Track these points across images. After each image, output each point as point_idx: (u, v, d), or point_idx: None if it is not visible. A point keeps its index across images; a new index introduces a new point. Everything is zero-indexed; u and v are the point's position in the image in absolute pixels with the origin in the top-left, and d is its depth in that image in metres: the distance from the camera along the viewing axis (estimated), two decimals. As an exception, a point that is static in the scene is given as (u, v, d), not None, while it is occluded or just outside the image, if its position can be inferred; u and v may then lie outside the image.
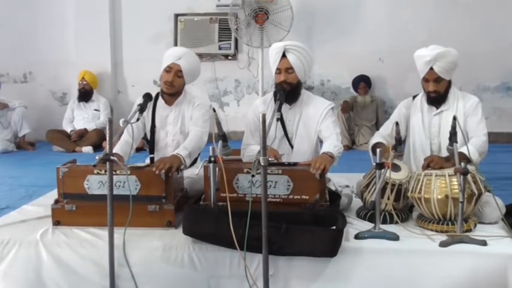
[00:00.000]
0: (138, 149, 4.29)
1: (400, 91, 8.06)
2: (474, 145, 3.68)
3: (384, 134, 3.98)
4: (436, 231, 3.29)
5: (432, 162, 3.58)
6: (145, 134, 4.29)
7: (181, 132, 4.14)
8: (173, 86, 4.05)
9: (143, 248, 3.26)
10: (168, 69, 4.04)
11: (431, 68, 3.78)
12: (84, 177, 3.49)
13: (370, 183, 3.58)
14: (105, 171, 3.15)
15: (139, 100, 3.98)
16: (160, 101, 4.14)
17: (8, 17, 9.22)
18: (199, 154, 4.21)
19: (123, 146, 3.96)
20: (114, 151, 3.39)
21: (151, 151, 4.21)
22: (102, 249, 3.19)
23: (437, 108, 3.95)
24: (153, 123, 4.16)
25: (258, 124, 3.87)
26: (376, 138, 3.99)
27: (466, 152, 3.45)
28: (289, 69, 3.85)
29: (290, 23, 7.82)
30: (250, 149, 3.95)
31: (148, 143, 4.26)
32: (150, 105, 4.06)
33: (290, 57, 3.83)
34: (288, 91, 3.85)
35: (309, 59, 3.91)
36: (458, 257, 3.06)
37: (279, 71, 3.89)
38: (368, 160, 3.80)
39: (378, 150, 3.31)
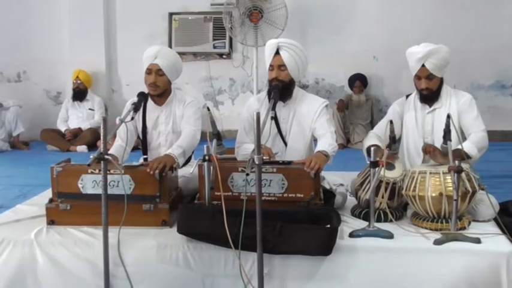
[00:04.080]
0: (133, 148, 4.28)
1: (395, 90, 8.07)
2: (473, 141, 3.70)
3: (378, 134, 3.98)
4: (430, 229, 3.30)
5: (436, 151, 3.60)
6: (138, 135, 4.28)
7: (173, 131, 4.14)
8: (158, 86, 4.03)
9: (138, 247, 3.26)
10: (148, 71, 4.02)
11: (423, 65, 3.80)
12: (78, 176, 3.48)
13: (365, 181, 3.58)
14: (99, 170, 3.14)
15: (131, 101, 3.99)
16: (150, 102, 4.12)
17: (1, 16, 9.19)
18: (192, 152, 4.21)
19: (117, 149, 3.97)
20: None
21: (145, 152, 4.21)
22: (96, 248, 3.20)
23: (430, 106, 3.96)
24: (144, 125, 4.15)
25: (252, 122, 3.88)
26: (371, 139, 3.99)
27: (466, 148, 3.46)
28: (282, 66, 3.84)
29: (284, 22, 7.82)
30: (244, 148, 3.95)
31: (141, 144, 4.25)
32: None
33: (283, 54, 3.83)
34: (280, 88, 3.84)
35: (303, 58, 3.90)
36: (453, 255, 3.06)
37: (271, 67, 3.89)
38: (362, 158, 3.81)
39: (372, 148, 3.31)
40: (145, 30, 8.87)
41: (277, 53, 3.85)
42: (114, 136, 4.02)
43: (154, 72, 4.00)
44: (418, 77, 3.88)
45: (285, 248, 3.07)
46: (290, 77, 3.88)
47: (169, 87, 4.15)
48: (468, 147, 3.60)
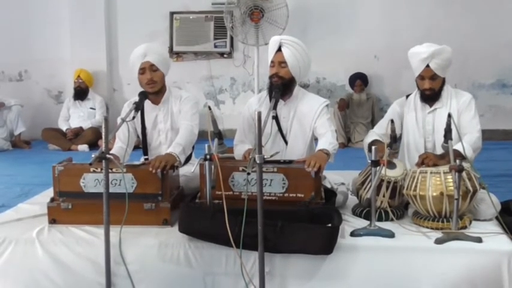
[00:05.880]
0: (134, 147, 4.28)
1: (396, 89, 8.09)
2: (468, 142, 3.69)
3: (378, 133, 3.98)
4: (432, 228, 3.30)
5: (426, 159, 3.59)
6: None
7: (172, 128, 4.13)
8: (155, 82, 4.01)
9: (139, 245, 3.26)
10: (142, 71, 4.00)
11: (428, 65, 3.79)
12: (80, 175, 3.49)
13: (366, 180, 3.58)
14: (101, 169, 3.15)
15: (129, 102, 4.02)
16: (147, 102, 4.09)
17: (3, 15, 9.20)
18: (193, 150, 4.23)
19: (118, 151, 3.97)
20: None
21: (145, 152, 4.20)
22: (98, 247, 3.20)
23: (430, 106, 3.96)
24: (143, 125, 4.15)
25: (252, 122, 3.90)
26: (372, 136, 4.00)
27: (460, 149, 3.46)
28: (282, 63, 3.84)
29: (285, 21, 7.82)
30: (239, 149, 3.96)
31: (142, 145, 4.24)
32: None
33: (285, 51, 3.82)
34: (279, 85, 3.83)
35: (304, 57, 3.88)
36: (454, 254, 3.06)
37: (272, 64, 3.88)
38: (363, 157, 3.81)
39: (373, 147, 3.31)
40: (146, 30, 8.87)
41: (279, 49, 3.85)
42: (115, 135, 4.01)
43: (148, 69, 3.98)
44: (421, 77, 3.87)
45: (286, 247, 3.07)
46: (290, 75, 3.87)
47: (164, 84, 4.14)
48: (465, 148, 3.60)
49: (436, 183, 3.32)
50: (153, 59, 3.99)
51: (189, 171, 3.85)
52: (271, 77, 3.88)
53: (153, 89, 4.02)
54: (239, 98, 9.20)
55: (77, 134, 8.61)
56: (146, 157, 4.17)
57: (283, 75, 3.85)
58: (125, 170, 3.39)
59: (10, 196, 5.33)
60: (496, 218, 3.44)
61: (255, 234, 2.86)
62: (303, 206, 3.35)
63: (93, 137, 8.42)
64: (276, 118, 3.83)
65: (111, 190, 3.13)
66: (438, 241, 3.11)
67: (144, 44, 4.10)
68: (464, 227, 3.30)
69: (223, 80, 9.27)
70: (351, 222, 3.49)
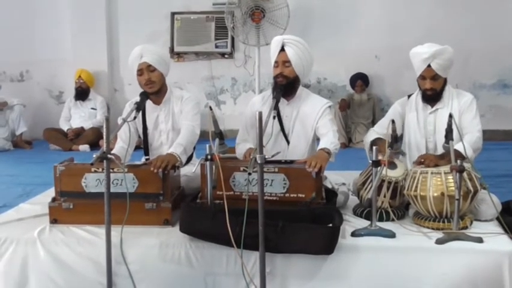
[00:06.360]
0: (135, 147, 4.28)
1: (397, 89, 8.08)
2: (468, 142, 3.69)
3: (379, 132, 3.98)
4: (432, 228, 3.30)
5: (427, 160, 3.59)
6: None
7: (173, 128, 4.13)
8: (153, 82, 4.00)
9: (140, 245, 3.27)
10: (140, 72, 4.00)
11: (429, 66, 3.79)
12: (81, 175, 3.49)
13: (367, 180, 3.59)
14: (103, 169, 3.15)
15: (130, 102, 4.03)
16: (149, 102, 4.10)
17: (5, 16, 9.21)
18: (194, 149, 4.23)
19: (119, 151, 3.97)
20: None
21: (146, 153, 4.21)
22: (99, 247, 3.20)
23: (432, 106, 3.96)
24: (144, 126, 4.15)
25: (255, 121, 3.89)
26: (372, 135, 4.00)
27: (460, 149, 3.46)
28: (286, 62, 3.84)
29: (286, 21, 7.82)
30: (241, 147, 3.96)
31: (143, 145, 4.25)
32: None
33: (288, 50, 3.83)
34: (284, 85, 3.84)
35: (307, 56, 3.89)
36: (455, 254, 3.06)
37: (276, 64, 3.89)
38: (364, 158, 3.81)
39: (374, 148, 3.31)
40: (148, 30, 8.88)
41: (282, 49, 3.85)
42: (116, 136, 4.02)
43: (145, 69, 3.98)
44: (423, 77, 3.87)
45: (287, 247, 3.07)
46: (295, 74, 3.87)
47: (165, 84, 4.14)
48: (465, 147, 3.61)
49: (436, 184, 3.32)
50: (149, 59, 3.98)
51: (190, 171, 3.85)
52: (275, 77, 3.89)
53: (152, 89, 4.02)
54: (240, 98, 9.20)
55: (78, 134, 8.63)
56: (147, 157, 4.18)
57: (287, 75, 3.86)
58: (126, 169, 3.40)
59: (11, 196, 5.33)
60: (497, 218, 3.44)
61: (256, 234, 2.86)
62: (304, 206, 3.35)
63: (94, 137, 8.44)
64: (278, 117, 3.85)
65: (112, 190, 3.13)
66: (439, 241, 3.11)
67: (140, 45, 4.11)
68: (465, 227, 3.30)
69: (224, 80, 9.27)
70: (351, 222, 3.49)
